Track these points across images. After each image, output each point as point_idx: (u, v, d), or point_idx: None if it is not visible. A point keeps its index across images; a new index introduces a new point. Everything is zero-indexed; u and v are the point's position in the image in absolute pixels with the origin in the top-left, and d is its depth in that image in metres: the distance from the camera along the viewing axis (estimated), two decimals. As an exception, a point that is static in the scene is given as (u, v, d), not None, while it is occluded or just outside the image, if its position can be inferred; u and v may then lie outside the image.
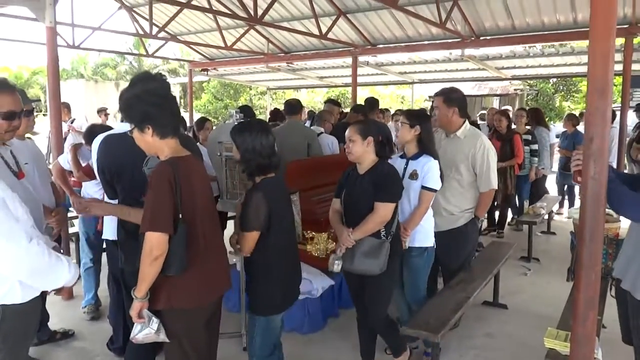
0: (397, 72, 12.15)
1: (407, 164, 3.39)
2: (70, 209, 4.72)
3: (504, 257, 4.37)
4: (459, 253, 3.84)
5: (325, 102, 7.87)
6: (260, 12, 7.84)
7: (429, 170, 3.28)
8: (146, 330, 2.29)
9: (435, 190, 3.32)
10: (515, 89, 20.13)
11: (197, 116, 19.23)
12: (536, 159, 6.99)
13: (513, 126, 7.07)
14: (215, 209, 2.60)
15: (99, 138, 2.89)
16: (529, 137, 6.99)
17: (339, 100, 21.89)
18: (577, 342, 2.16)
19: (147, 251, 2.14)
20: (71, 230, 4.98)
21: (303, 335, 4.00)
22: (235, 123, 3.91)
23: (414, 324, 3.03)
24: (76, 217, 4.76)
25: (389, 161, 3.34)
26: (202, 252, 2.34)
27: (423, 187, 3.29)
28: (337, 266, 3.07)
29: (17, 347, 2.10)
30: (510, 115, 7.26)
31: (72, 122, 7.31)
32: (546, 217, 6.98)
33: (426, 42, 9.47)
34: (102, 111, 11.20)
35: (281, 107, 7.84)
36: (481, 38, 8.85)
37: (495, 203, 6.43)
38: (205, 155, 4.08)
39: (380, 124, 3.74)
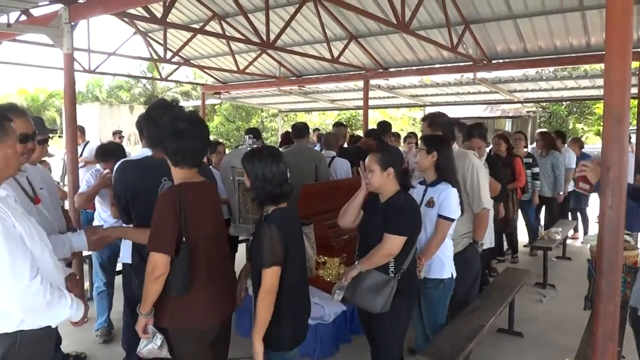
0: (409, 94, 12.20)
1: (425, 190, 3.30)
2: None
3: (519, 283, 4.30)
4: (460, 281, 3.55)
5: (333, 126, 7.91)
6: (272, 37, 7.94)
7: (445, 198, 3.16)
8: (150, 346, 2.42)
9: (452, 220, 3.17)
10: (527, 111, 20.11)
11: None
12: (538, 182, 6.92)
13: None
14: (224, 234, 2.62)
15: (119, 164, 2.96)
16: (530, 160, 6.92)
17: (350, 123, 22.06)
18: (596, 375, 2.11)
19: (150, 270, 2.27)
20: (85, 253, 5.00)
21: (314, 361, 3.94)
22: (248, 148, 3.96)
23: (428, 352, 2.97)
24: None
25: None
26: (205, 275, 2.41)
27: (439, 216, 3.17)
28: (337, 295, 2.94)
29: None
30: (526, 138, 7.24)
31: (85, 145, 7.38)
32: (561, 242, 6.88)
33: (438, 66, 9.53)
34: (116, 134, 11.33)
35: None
36: (493, 61, 8.91)
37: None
38: (218, 179, 4.12)
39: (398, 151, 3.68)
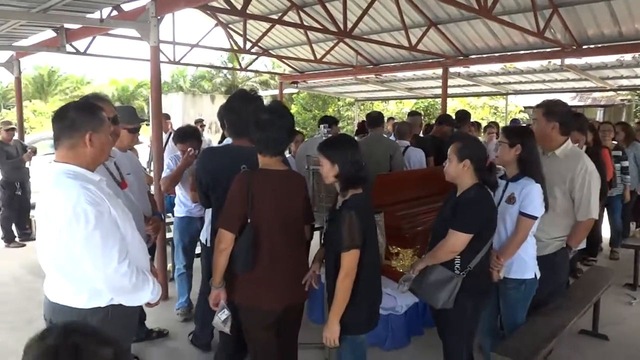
0: (490, 82, 11.75)
1: (506, 186, 3.07)
2: (169, 214, 5.02)
3: (605, 283, 4.05)
4: (544, 283, 3.29)
5: (408, 115, 7.77)
6: (349, 25, 7.92)
7: (528, 194, 2.93)
8: (216, 318, 2.65)
9: (534, 218, 2.94)
10: (621, 100, 18.75)
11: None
12: (628, 176, 6.35)
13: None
14: (297, 223, 2.67)
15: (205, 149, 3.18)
16: (619, 153, 6.36)
17: (428, 112, 21.59)
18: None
19: (217, 243, 2.55)
20: (168, 235, 5.28)
21: (385, 352, 3.94)
22: (323, 137, 3.99)
23: (502, 349, 2.87)
24: (171, 224, 5.03)
25: None
26: (268, 259, 2.54)
27: (521, 213, 2.94)
28: (402, 286, 2.92)
29: (123, 346, 2.20)
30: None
31: (170, 135, 7.75)
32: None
33: (522, 52, 9.09)
34: (198, 122, 11.77)
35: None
36: (583, 47, 8.36)
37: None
38: (293, 167, 4.19)
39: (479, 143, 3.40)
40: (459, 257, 2.70)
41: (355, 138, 7.21)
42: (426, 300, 2.87)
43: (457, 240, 2.65)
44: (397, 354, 3.94)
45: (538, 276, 3.10)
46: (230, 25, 10.89)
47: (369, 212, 2.65)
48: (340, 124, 25.55)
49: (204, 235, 3.46)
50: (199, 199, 3.22)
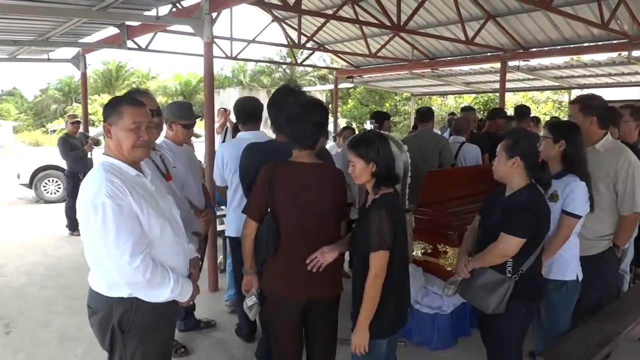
0: (552, 76, 11.29)
1: None
2: (222, 207, 5.15)
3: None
4: (592, 286, 3.22)
5: (461, 110, 7.58)
6: (404, 19, 7.82)
7: (572, 191, 2.81)
8: (244, 304, 2.74)
9: (578, 217, 2.82)
10: (699, 94, 17.53)
11: (342, 122, 19.73)
12: None
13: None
14: (320, 217, 2.61)
15: (246, 144, 3.21)
16: None
17: (488, 107, 21.00)
18: None
19: (243, 229, 2.66)
20: (220, 227, 5.42)
21: (431, 351, 3.90)
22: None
23: (551, 355, 2.78)
24: (224, 216, 5.16)
25: None
26: (286, 250, 2.58)
27: (564, 212, 2.83)
28: (446, 290, 2.83)
29: (148, 341, 2.25)
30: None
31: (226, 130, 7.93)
32: None
33: (586, 45, 8.68)
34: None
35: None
36: (654, 38, 7.87)
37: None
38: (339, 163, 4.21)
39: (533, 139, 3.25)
40: (510, 260, 2.60)
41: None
42: (475, 305, 2.73)
43: (510, 245, 2.54)
44: (443, 354, 3.88)
45: (580, 278, 2.97)
46: (287, 21, 11.00)
47: (399, 212, 2.56)
48: (396, 119, 25.27)
49: (232, 229, 3.65)
50: (244, 192, 3.27)
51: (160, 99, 33.12)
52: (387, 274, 2.40)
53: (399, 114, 25.71)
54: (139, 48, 8.68)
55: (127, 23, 6.95)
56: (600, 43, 8.49)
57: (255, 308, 2.70)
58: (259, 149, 3.06)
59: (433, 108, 7.67)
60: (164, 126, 3.69)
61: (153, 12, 5.51)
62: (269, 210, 2.57)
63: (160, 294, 2.17)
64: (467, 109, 7.30)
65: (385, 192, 2.48)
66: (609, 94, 15.70)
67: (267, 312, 2.72)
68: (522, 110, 6.62)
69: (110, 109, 2.19)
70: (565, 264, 2.93)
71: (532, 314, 2.77)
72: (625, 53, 8.62)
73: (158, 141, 3.56)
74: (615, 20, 7.35)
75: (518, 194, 2.62)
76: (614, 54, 9.02)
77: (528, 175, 2.62)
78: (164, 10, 6.78)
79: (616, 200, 3.19)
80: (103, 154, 2.22)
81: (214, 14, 5.15)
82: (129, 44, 7.55)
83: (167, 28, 7.54)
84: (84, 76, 9.19)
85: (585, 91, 15.51)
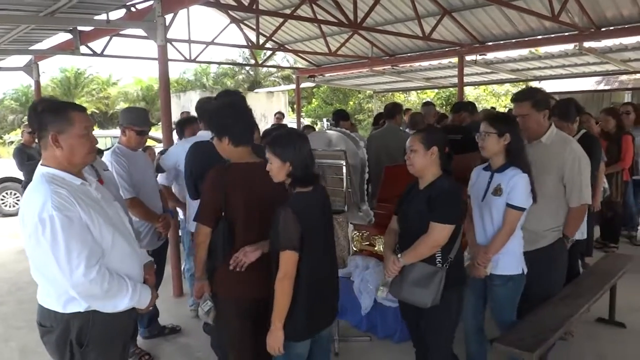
0: (509, 69, 11.54)
1: (491, 177, 2.92)
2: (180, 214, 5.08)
3: (620, 269, 3.96)
4: (543, 278, 3.23)
5: (422, 105, 7.70)
6: (361, 16, 7.88)
7: (515, 185, 2.79)
8: (199, 310, 2.73)
9: (522, 209, 2.81)
10: (650, 82, 18.17)
11: (306, 121, 19.74)
12: None
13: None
14: (271, 215, 2.57)
15: (190, 144, 3.32)
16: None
17: (450, 101, 21.32)
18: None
19: (195, 237, 2.66)
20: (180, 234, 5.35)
21: (396, 343, 3.94)
22: (326, 131, 4.01)
23: (506, 339, 2.83)
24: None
25: (474, 173, 3.05)
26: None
27: (508, 205, 2.81)
28: (381, 292, 2.78)
29: (108, 350, 2.21)
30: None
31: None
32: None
33: (539, 37, 8.91)
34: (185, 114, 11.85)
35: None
36: (602, 29, 8.13)
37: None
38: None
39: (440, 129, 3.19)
40: (439, 250, 2.60)
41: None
42: (412, 302, 2.65)
43: (442, 233, 2.55)
44: (407, 347, 3.90)
45: (525, 271, 2.97)
46: (245, 21, 10.94)
47: (314, 212, 2.43)
48: (361, 117, 25.37)
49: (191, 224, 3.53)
50: (188, 190, 3.32)
51: (122, 105, 32.47)
52: (298, 276, 2.34)
53: (363, 111, 25.88)
54: (94, 53, 8.51)
55: (79, 28, 6.79)
56: (552, 35, 8.73)
57: (212, 312, 2.69)
58: (206, 146, 3.10)
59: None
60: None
61: (104, 16, 5.39)
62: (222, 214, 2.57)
63: (119, 304, 2.13)
64: (427, 104, 7.43)
65: (301, 191, 2.42)
66: (563, 85, 16.20)
67: (223, 314, 2.70)
68: (475, 105, 6.78)
69: (57, 116, 2.05)
70: (510, 259, 2.92)
71: (462, 300, 2.80)
72: (576, 45, 8.88)
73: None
74: (565, 12, 7.56)
75: (439, 183, 2.63)
76: (567, 46, 9.28)
77: (440, 166, 2.66)
78: (116, 14, 6.66)
79: (564, 192, 3.20)
80: (41, 164, 2.11)
81: (168, 17, 5.09)
82: (83, 49, 7.39)
83: (122, 32, 7.41)
84: (37, 84, 8.93)
85: (541, 83, 15.95)
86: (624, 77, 17.59)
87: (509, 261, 2.92)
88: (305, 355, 2.54)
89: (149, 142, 7.35)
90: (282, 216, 2.31)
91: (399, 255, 2.66)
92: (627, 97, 18.18)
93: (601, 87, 17.91)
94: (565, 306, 3.24)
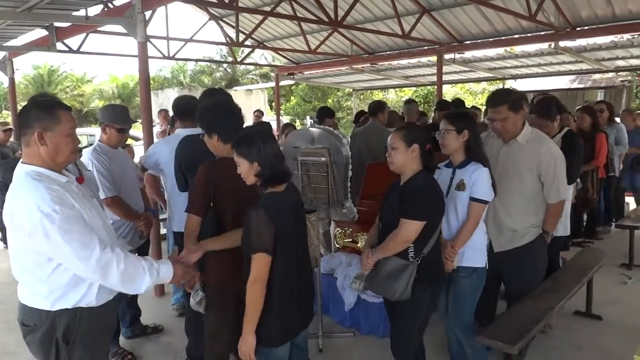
0: (487, 68, 11.70)
1: (453, 173, 2.98)
2: (162, 213, 5.04)
3: (596, 264, 4.06)
4: (524, 274, 3.37)
5: (404, 103, 7.75)
6: (342, 14, 7.89)
7: (477, 179, 2.85)
8: (191, 300, 2.75)
9: (485, 202, 2.87)
10: (622, 81, 18.61)
11: (285, 119, 19.74)
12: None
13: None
14: None
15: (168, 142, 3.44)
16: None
17: (428, 99, 21.52)
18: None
19: (185, 227, 2.72)
20: (163, 231, 5.31)
21: (380, 339, 3.97)
22: (310, 129, 4.02)
23: (489, 333, 2.89)
24: (165, 220, 5.06)
25: (436, 171, 3.01)
26: None
27: (471, 199, 2.87)
28: (354, 284, 2.84)
29: (94, 347, 2.22)
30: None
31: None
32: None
33: (516, 36, 9.04)
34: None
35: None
36: (577, 29, 8.30)
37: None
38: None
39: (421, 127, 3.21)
40: (412, 245, 2.62)
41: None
42: (382, 294, 2.76)
43: (410, 230, 2.57)
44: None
45: (487, 266, 3.03)
46: (224, 19, 10.86)
47: (286, 212, 2.41)
48: (340, 115, 25.45)
49: (178, 223, 3.53)
50: (177, 182, 3.34)
51: (97, 103, 31.99)
52: (271, 278, 2.31)
53: (342, 109, 25.95)
54: (70, 50, 8.36)
55: (56, 24, 6.66)
56: (529, 35, 8.86)
57: (203, 302, 2.73)
58: (195, 140, 3.14)
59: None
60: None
61: (82, 12, 5.31)
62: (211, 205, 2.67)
63: (141, 283, 2.11)
64: (409, 102, 7.46)
65: (272, 191, 2.40)
66: (539, 84, 16.49)
67: (213, 304, 2.76)
68: (457, 104, 6.86)
69: (45, 113, 2.03)
70: (475, 251, 2.97)
71: (436, 298, 2.81)
72: (552, 44, 9.05)
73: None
74: (542, 12, 7.69)
75: (414, 179, 2.66)
76: (542, 45, 9.45)
77: (421, 162, 2.68)
78: (94, 10, 6.57)
79: (542, 189, 3.27)
80: (22, 162, 2.08)
81: (147, 13, 5.04)
82: (59, 46, 7.25)
83: (100, 29, 7.30)
84: (12, 82, 8.75)
85: (518, 81, 16.20)
86: (597, 76, 18.01)
87: (474, 254, 2.97)
88: (286, 356, 2.54)
89: (128, 141, 7.25)
90: (254, 217, 2.26)
91: (373, 250, 2.73)
92: (600, 96, 18.62)
93: (575, 85, 18.32)
94: (544, 300, 3.31)
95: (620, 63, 10.68)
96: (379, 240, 2.78)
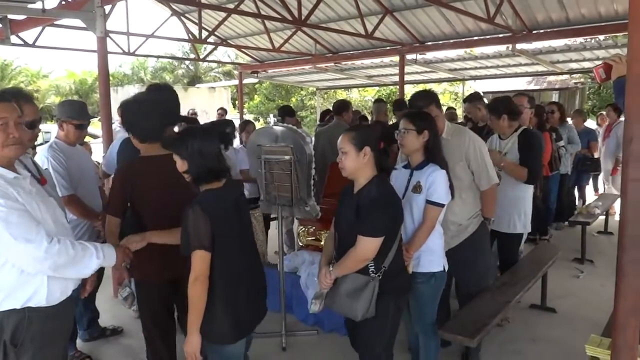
0: (447, 69, 11.94)
1: (410, 174, 2.90)
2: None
3: (550, 259, 4.22)
4: (474, 265, 3.39)
5: (374, 102, 7.86)
6: (305, 13, 7.91)
7: (434, 181, 2.77)
8: (119, 295, 2.82)
9: (442, 205, 2.80)
10: (575, 83, 19.31)
11: (249, 118, 19.64)
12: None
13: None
14: (183, 202, 2.52)
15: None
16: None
17: (390, 99, 21.77)
18: (617, 351, 2.07)
19: (106, 228, 2.79)
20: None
21: (342, 336, 3.99)
22: (273, 127, 4.02)
23: (449, 327, 2.97)
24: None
25: (393, 172, 2.96)
26: None
27: (428, 202, 2.79)
28: (314, 305, 2.60)
29: (46, 350, 2.14)
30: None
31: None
32: (603, 216, 6.67)
33: (475, 38, 9.27)
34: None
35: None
36: (533, 32, 8.57)
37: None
38: (245, 157, 4.26)
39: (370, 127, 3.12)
40: (371, 260, 2.46)
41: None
42: (344, 314, 2.56)
43: (368, 247, 2.40)
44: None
45: (446, 268, 2.96)
46: (187, 15, 10.71)
47: (225, 208, 2.36)
48: (303, 114, 25.54)
49: None
50: None
51: (54, 99, 31.01)
52: (213, 275, 2.28)
53: (306, 108, 26.01)
54: (25, 44, 8.08)
55: (10, 17, 6.42)
56: (487, 37, 9.10)
57: (130, 298, 2.81)
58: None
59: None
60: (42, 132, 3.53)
61: (39, 5, 5.13)
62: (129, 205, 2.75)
63: (89, 264, 2.13)
64: (378, 101, 7.57)
65: (209, 188, 2.36)
66: (497, 85, 16.93)
67: (142, 298, 2.90)
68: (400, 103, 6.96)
69: None
70: (432, 256, 2.89)
71: (400, 310, 2.67)
72: (510, 46, 9.32)
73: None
74: (500, 15, 7.91)
75: (367, 189, 2.47)
76: (500, 47, 9.71)
77: (376, 165, 2.51)
78: (52, 2, 6.36)
79: (473, 179, 3.32)
80: None
81: (107, 7, 4.93)
82: (14, 39, 6.98)
83: (57, 22, 7.07)
84: (-38, 75, 8.40)
85: (477, 82, 16.57)
86: (551, 78, 18.65)
87: (432, 258, 2.89)
88: (241, 354, 2.51)
89: (86, 138, 7.06)
90: (190, 215, 2.23)
91: (330, 268, 2.55)
92: (554, 97, 19.26)
93: (531, 87, 18.89)
94: (502, 294, 3.42)
95: (574, 66, 11.10)
96: (337, 253, 2.60)
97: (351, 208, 2.48)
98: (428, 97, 3.29)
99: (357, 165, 2.46)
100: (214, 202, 2.30)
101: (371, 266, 2.47)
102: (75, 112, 3.58)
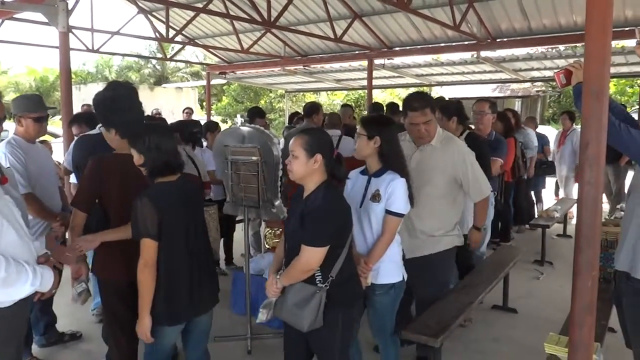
0: (415, 74, 12.11)
1: (368, 181, 2.80)
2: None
3: (512, 260, 4.32)
4: (436, 282, 3.34)
5: (341, 107, 8.04)
6: (274, 15, 7.90)
7: (394, 190, 2.68)
8: (72, 291, 2.87)
9: (401, 215, 2.72)
10: (537, 91, 19.87)
11: (216, 119, 19.44)
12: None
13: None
14: None
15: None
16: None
17: (358, 103, 21.94)
18: (574, 348, 2.14)
19: (71, 221, 2.78)
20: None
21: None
22: (240, 127, 4.00)
23: (413, 328, 3.00)
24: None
25: (349, 180, 2.88)
26: None
27: (387, 212, 2.71)
28: (261, 315, 2.52)
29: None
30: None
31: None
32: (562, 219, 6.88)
33: (442, 45, 9.43)
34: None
35: (301, 110, 7.96)
36: (497, 40, 8.79)
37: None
38: (211, 158, 4.22)
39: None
40: (318, 269, 2.35)
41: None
42: (291, 324, 2.44)
43: (313, 257, 2.28)
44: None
45: (405, 277, 2.91)
46: (154, 13, 10.56)
47: (174, 201, 2.48)
48: (272, 116, 25.43)
49: None
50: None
51: (13, 97, 30.02)
52: (159, 264, 2.44)
53: (275, 110, 25.93)
54: (-17, 38, 7.82)
55: (-34, 9, 6.21)
56: (453, 44, 9.29)
57: (84, 294, 2.83)
58: (90, 140, 3.17)
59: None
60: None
61: (-3, -3, 4.98)
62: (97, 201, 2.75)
63: (21, 290, 2.03)
64: (344, 106, 7.82)
65: (161, 181, 2.52)
66: (464, 91, 17.27)
67: (104, 296, 2.88)
68: (393, 108, 7.08)
69: None
70: (391, 266, 2.83)
71: (351, 320, 2.54)
72: (474, 53, 9.53)
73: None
74: (466, 23, 8.08)
75: (314, 196, 2.35)
76: (466, 54, 9.92)
77: (326, 172, 2.40)
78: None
79: (459, 193, 3.27)
80: None
81: (71, 2, 4.82)
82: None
83: (17, 16, 6.85)
84: None
85: (443, 88, 16.87)
86: (515, 86, 19.15)
87: (391, 269, 2.82)
88: (173, 339, 2.66)
89: (47, 137, 6.87)
90: (138, 205, 2.39)
91: (277, 276, 2.46)
92: (517, 104, 19.77)
93: (496, 94, 19.35)
94: (464, 295, 3.48)
95: (535, 74, 11.41)
96: (286, 260, 2.49)
97: (297, 216, 2.39)
98: (424, 100, 3.21)
99: (305, 171, 2.35)
100: (162, 194, 2.46)
101: (318, 275, 2.35)
102: (32, 105, 3.46)
